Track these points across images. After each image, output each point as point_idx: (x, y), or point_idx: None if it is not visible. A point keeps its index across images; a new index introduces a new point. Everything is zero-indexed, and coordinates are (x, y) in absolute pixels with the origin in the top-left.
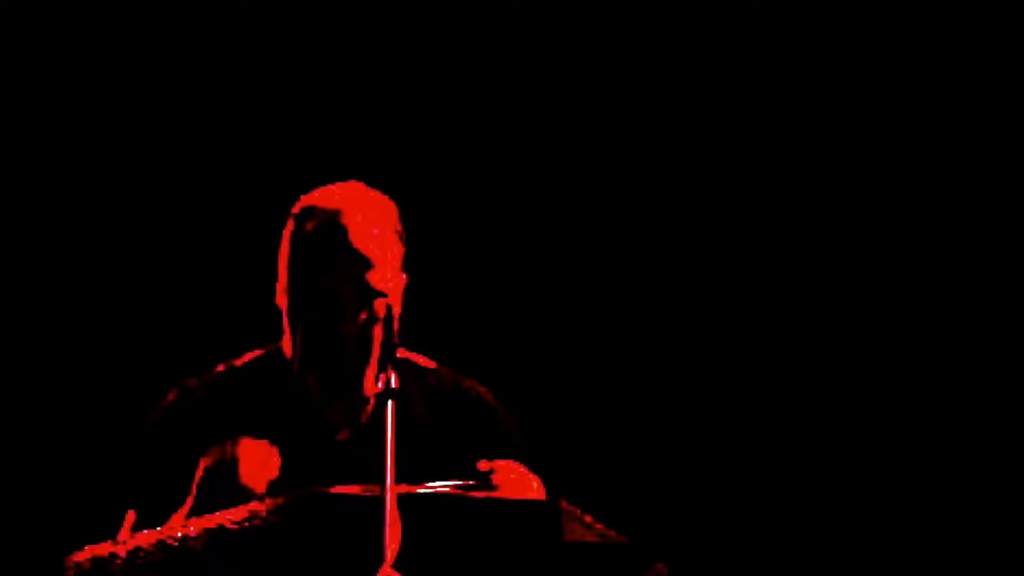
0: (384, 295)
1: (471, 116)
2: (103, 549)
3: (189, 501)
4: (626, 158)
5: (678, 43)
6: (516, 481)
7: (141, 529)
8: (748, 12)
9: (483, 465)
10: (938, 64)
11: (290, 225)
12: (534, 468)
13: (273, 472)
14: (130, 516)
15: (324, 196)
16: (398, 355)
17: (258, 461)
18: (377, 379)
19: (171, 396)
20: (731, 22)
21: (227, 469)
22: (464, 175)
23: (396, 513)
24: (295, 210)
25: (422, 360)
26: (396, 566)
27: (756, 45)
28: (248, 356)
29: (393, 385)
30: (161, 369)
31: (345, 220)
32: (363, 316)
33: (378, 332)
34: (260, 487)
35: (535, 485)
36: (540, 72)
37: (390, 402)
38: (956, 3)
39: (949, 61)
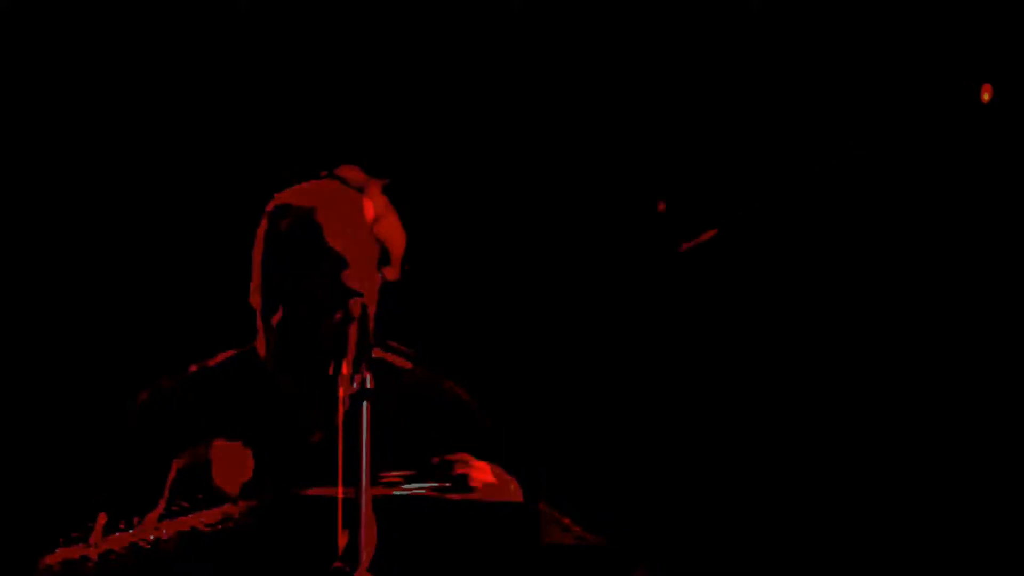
0: (359, 294)
1: (460, 114)
2: (74, 552)
3: (162, 503)
4: (620, 156)
5: (678, 43)
6: (494, 483)
7: (113, 531)
8: (748, 12)
9: (460, 467)
10: (936, 65)
11: (264, 224)
12: (512, 470)
13: (247, 474)
14: (101, 518)
15: (298, 194)
16: (373, 356)
17: (231, 463)
18: (352, 379)
19: (144, 396)
20: (731, 22)
21: (200, 471)
22: (451, 174)
23: (371, 515)
24: (269, 208)
25: (398, 361)
26: (371, 569)
27: (756, 45)
28: (221, 356)
29: (368, 386)
30: (134, 369)
31: (320, 218)
32: (338, 316)
33: (353, 332)
34: (234, 489)
35: (512, 487)
36: (531, 71)
37: (365, 403)
38: (953, 4)
39: (947, 62)
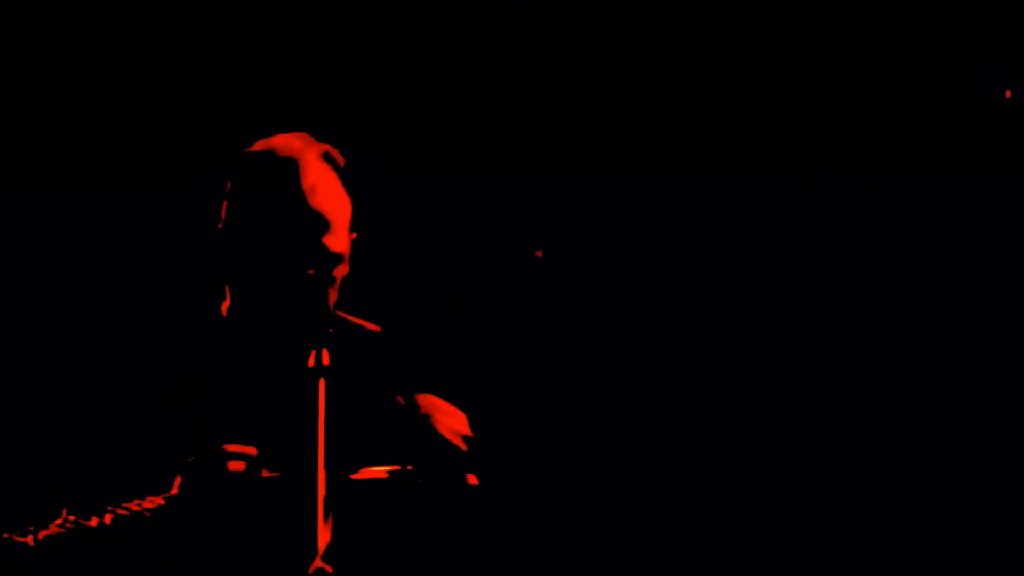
0: (341, 259)
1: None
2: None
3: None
4: (617, 147)
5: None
6: (445, 413)
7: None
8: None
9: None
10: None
11: (232, 181)
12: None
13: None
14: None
15: (272, 150)
16: (343, 318)
17: None
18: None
19: None
20: (732, 15)
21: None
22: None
23: (328, 500)
24: (238, 164)
25: (366, 324)
26: (327, 559)
27: (756, 43)
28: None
29: (324, 363)
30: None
31: (297, 176)
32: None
33: (319, 301)
34: None
35: (462, 418)
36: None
37: (321, 381)
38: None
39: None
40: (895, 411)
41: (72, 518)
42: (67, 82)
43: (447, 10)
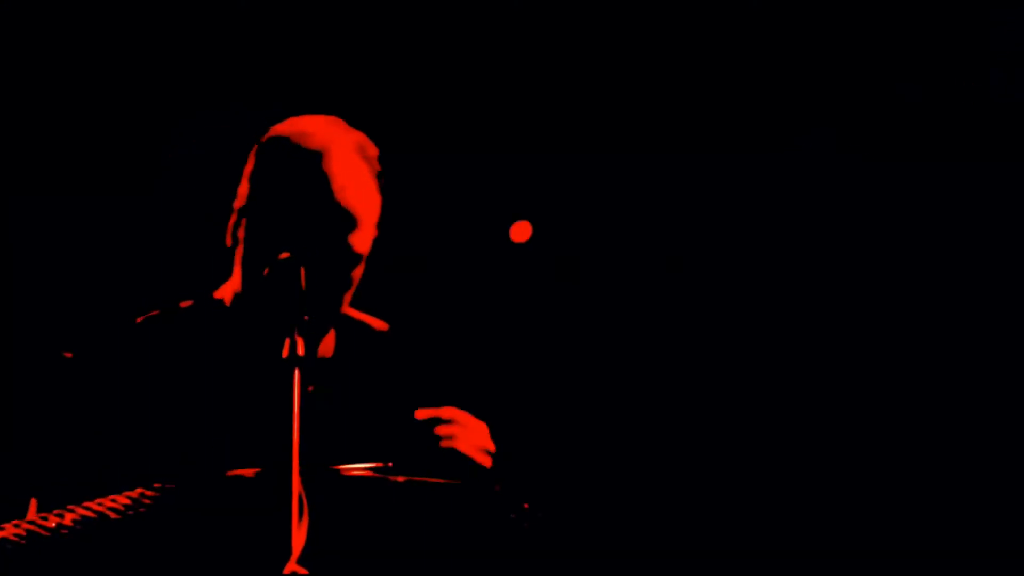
0: (361, 259)
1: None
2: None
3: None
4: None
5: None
6: (466, 427)
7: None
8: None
9: (421, 414)
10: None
11: (255, 160)
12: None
13: None
14: (33, 503)
15: (301, 134)
16: (352, 316)
17: None
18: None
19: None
20: (732, 18)
21: None
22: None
23: (303, 499)
24: (263, 140)
25: (374, 322)
26: (303, 562)
27: (756, 42)
28: (184, 304)
29: (298, 352)
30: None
31: (327, 167)
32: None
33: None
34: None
35: (484, 430)
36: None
37: (296, 371)
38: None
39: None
40: (895, 407)
41: (33, 516)
42: (67, 82)
43: (445, 9)
